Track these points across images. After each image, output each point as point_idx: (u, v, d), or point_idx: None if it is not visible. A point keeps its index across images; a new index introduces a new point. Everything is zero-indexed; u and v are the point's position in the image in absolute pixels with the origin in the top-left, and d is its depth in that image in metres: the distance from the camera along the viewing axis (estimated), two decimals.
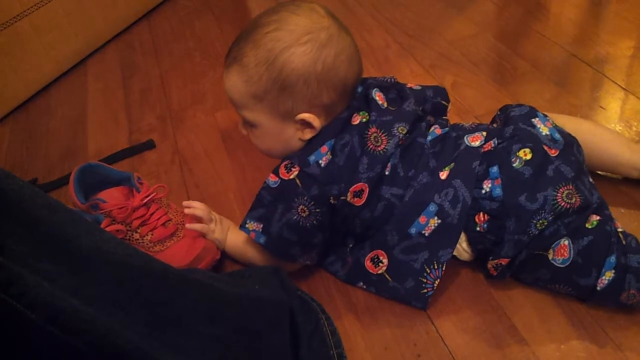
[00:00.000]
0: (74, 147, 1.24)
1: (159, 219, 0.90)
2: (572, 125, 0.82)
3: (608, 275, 0.69)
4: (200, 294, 0.56)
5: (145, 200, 0.89)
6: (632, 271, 0.69)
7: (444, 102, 0.89)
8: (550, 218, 0.70)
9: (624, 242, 0.71)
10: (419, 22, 1.43)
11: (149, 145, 1.19)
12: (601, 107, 1.08)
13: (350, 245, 0.83)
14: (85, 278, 0.46)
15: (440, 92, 0.89)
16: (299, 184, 0.76)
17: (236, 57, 0.76)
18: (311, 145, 0.78)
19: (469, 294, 0.79)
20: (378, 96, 0.80)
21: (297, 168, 0.76)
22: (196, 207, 0.88)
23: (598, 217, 0.72)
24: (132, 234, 0.89)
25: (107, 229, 0.84)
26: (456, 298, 0.78)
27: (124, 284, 0.48)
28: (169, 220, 0.90)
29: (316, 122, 0.77)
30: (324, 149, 0.76)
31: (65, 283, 0.44)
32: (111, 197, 0.89)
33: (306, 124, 0.77)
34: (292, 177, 0.76)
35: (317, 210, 0.76)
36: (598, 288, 0.70)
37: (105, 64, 1.51)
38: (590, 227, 0.71)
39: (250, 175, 1.06)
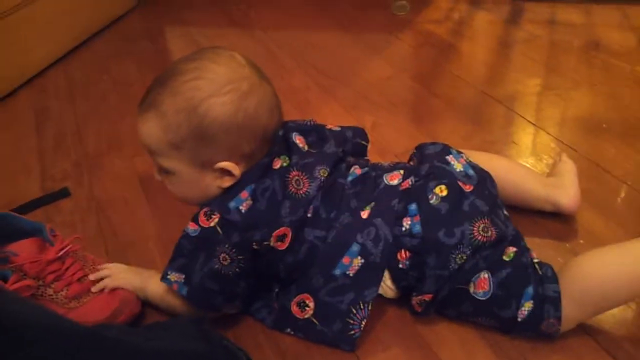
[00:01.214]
0: None
1: (74, 274, 0.84)
2: (486, 162, 0.85)
3: (527, 306, 0.71)
4: (112, 352, 0.52)
5: (60, 254, 0.84)
6: (550, 301, 0.71)
7: (363, 143, 0.90)
8: (469, 252, 0.71)
9: (540, 272, 0.73)
10: (338, 64, 1.47)
11: (64, 193, 1.13)
12: (513, 142, 1.13)
13: (276, 290, 0.81)
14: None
15: (359, 133, 0.90)
16: (220, 232, 0.74)
17: (153, 103, 0.74)
18: (231, 191, 0.76)
19: (396, 332, 0.78)
20: (298, 139, 0.80)
21: (218, 215, 0.74)
22: (104, 268, 0.86)
23: (514, 249, 0.74)
24: (46, 289, 0.83)
25: (16, 285, 0.78)
26: (384, 337, 0.78)
27: (29, 349, 0.44)
28: (85, 275, 0.85)
29: (236, 170, 0.75)
30: (244, 194, 0.75)
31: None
32: (23, 249, 0.83)
33: (226, 172, 0.76)
34: (212, 224, 0.74)
35: (240, 257, 0.74)
36: (519, 319, 0.71)
37: (16, 110, 1.44)
38: (507, 259, 0.73)
39: (171, 222, 1.02)
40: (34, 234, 0.87)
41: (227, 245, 0.73)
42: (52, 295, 0.83)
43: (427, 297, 0.74)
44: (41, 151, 1.27)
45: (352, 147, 0.87)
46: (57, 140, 1.30)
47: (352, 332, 0.74)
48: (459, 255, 0.71)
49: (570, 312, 0.71)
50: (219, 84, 0.72)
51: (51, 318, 0.51)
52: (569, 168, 0.94)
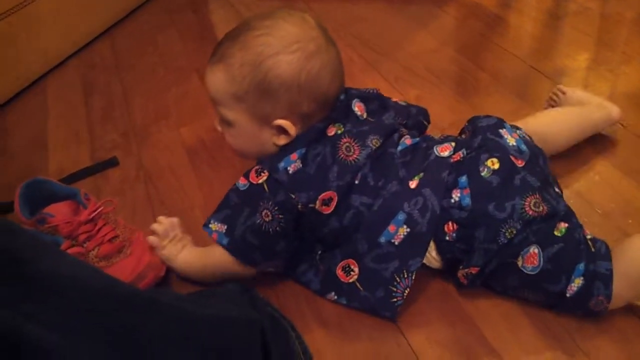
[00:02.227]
0: (34, 167, 1.20)
1: (105, 234, 0.88)
2: (543, 119, 0.90)
3: (577, 282, 0.70)
4: (168, 317, 0.54)
5: (93, 215, 0.88)
6: (600, 278, 0.70)
7: (424, 122, 0.91)
8: (519, 226, 0.71)
9: (592, 248, 0.72)
10: (382, 36, 1.45)
11: (113, 162, 1.16)
12: None
13: (319, 252, 0.83)
14: (44, 304, 0.44)
15: (423, 112, 0.91)
16: (266, 189, 0.76)
17: (223, 55, 0.77)
18: (283, 151, 0.78)
19: (439, 306, 0.79)
20: (358, 107, 0.82)
21: (267, 173, 0.76)
22: (159, 222, 0.89)
23: (566, 225, 0.73)
24: (78, 248, 0.87)
25: (68, 251, 0.81)
26: (426, 310, 0.79)
27: (86, 310, 0.46)
28: (116, 236, 0.89)
29: (292, 129, 0.77)
30: (294, 156, 0.76)
31: (22, 309, 0.42)
32: (58, 211, 0.87)
33: (282, 130, 0.78)
34: (260, 181, 0.76)
35: (281, 216, 0.76)
36: (567, 295, 0.71)
37: (65, 82, 1.47)
38: (559, 234, 0.72)
39: (217, 190, 1.03)
40: (69, 198, 0.91)
41: (270, 203, 0.75)
42: (83, 254, 0.87)
43: (474, 270, 0.74)
44: (90, 122, 1.30)
45: (413, 124, 0.88)
46: (105, 111, 1.33)
47: (395, 299, 0.75)
48: (509, 230, 0.71)
49: (621, 290, 0.70)
50: (287, 42, 0.75)
51: (107, 282, 0.53)
52: (578, 92, 1.04)
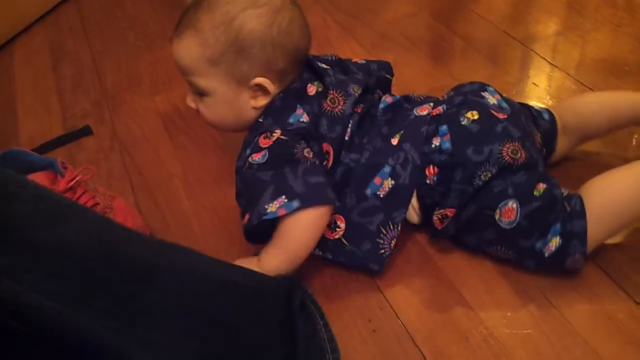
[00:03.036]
0: (4, 135, 1.17)
1: (85, 202, 0.87)
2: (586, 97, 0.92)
3: (554, 242, 0.73)
4: (173, 283, 0.54)
5: (71, 184, 0.87)
6: (576, 236, 0.72)
7: (387, 76, 0.92)
8: (494, 171, 0.73)
9: (568, 208, 0.74)
10: (357, 2, 1.44)
11: (86, 131, 1.14)
12: (534, 83, 1.13)
13: None
14: (47, 272, 0.44)
15: (385, 66, 0.92)
16: (286, 138, 0.75)
17: (189, 21, 0.76)
18: (281, 112, 0.78)
19: (418, 268, 0.81)
20: (324, 64, 0.83)
21: (279, 131, 0.76)
22: None
23: (545, 185, 0.74)
24: None
25: None
26: (406, 272, 0.81)
27: (88, 278, 0.46)
28: (97, 204, 0.88)
29: (271, 87, 0.78)
30: (299, 111, 0.78)
31: (25, 277, 0.42)
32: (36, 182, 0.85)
33: (260, 89, 0.78)
34: (275, 138, 0.75)
35: (316, 148, 0.77)
36: (545, 255, 0.73)
37: (32, 47, 1.43)
38: (537, 194, 0.74)
39: (195, 160, 1.04)
40: (45, 168, 0.89)
41: (302, 141, 0.75)
42: None
43: (449, 212, 0.76)
44: (60, 89, 1.27)
45: (376, 80, 0.88)
46: (75, 78, 1.30)
47: (382, 250, 0.77)
48: (484, 173, 0.73)
49: (591, 229, 0.72)
50: None
51: (110, 246, 0.52)
52: None
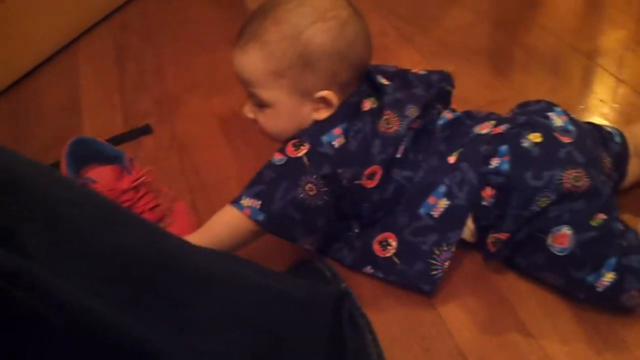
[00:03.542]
0: (67, 131, 1.20)
1: (147, 203, 0.89)
2: None
3: (609, 277, 0.69)
4: (225, 293, 0.54)
5: (135, 184, 0.88)
6: (633, 272, 0.69)
7: (448, 88, 0.90)
8: (554, 197, 0.71)
9: (624, 243, 0.71)
10: (417, 10, 1.42)
11: (146, 130, 1.17)
12: (601, 100, 1.09)
13: (356, 231, 0.83)
14: (99, 274, 0.44)
15: (445, 77, 0.90)
16: (307, 162, 0.75)
17: (254, 33, 0.76)
18: (322, 126, 0.78)
19: (475, 287, 0.79)
20: (384, 80, 0.82)
21: (307, 146, 0.76)
22: None
23: (605, 217, 0.72)
24: None
25: None
26: (461, 290, 0.79)
27: (140, 283, 0.47)
28: (157, 205, 0.90)
29: (335, 99, 0.77)
30: (337, 131, 0.77)
31: (76, 279, 0.43)
32: (102, 177, 0.88)
33: (323, 103, 0.78)
34: (300, 155, 0.76)
35: (325, 189, 0.75)
36: (598, 289, 0.70)
37: (97, 45, 1.47)
38: (594, 224, 0.71)
39: (250, 164, 1.03)
40: (113, 161, 0.91)
41: (314, 176, 0.74)
42: None
43: (503, 236, 0.75)
44: (123, 88, 1.30)
45: (437, 92, 0.87)
46: (137, 77, 1.33)
47: (435, 272, 0.76)
48: (543, 199, 0.71)
49: None
50: (321, 11, 0.75)
51: (164, 252, 0.53)
52: None
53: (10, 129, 1.25)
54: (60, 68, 1.41)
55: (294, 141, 0.77)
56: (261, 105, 0.80)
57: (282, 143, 0.80)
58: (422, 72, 0.89)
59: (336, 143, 0.76)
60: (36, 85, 1.37)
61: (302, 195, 0.75)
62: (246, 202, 0.76)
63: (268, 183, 0.76)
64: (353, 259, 0.83)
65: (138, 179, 0.89)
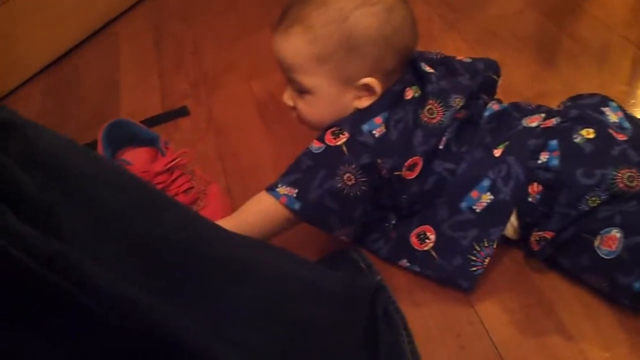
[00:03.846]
0: (106, 110, 1.22)
1: (180, 185, 0.89)
2: None
3: None
4: (261, 283, 0.53)
5: (169, 166, 0.88)
6: None
7: (494, 77, 0.87)
8: (604, 197, 0.67)
9: None
10: None
11: (183, 112, 1.17)
12: None
13: (393, 222, 0.81)
14: (138, 263, 0.44)
15: (492, 66, 0.87)
16: (346, 151, 0.73)
17: (298, 17, 0.74)
18: (363, 114, 0.76)
19: (514, 286, 0.76)
20: (428, 68, 0.79)
21: (347, 135, 0.74)
22: None
23: None
24: None
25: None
26: (500, 288, 0.76)
27: (177, 272, 0.46)
28: (191, 187, 0.90)
29: (378, 87, 0.75)
30: (378, 120, 0.74)
31: (126, 271, 0.42)
32: (137, 159, 0.88)
33: (367, 90, 0.75)
34: (339, 143, 0.74)
35: (364, 179, 0.73)
36: None
37: (137, 24, 1.47)
38: None
39: (287, 149, 1.03)
40: (148, 143, 0.91)
41: (353, 166, 0.73)
42: None
43: (548, 235, 0.72)
44: (161, 68, 1.30)
45: (482, 80, 0.84)
46: (176, 58, 1.33)
47: (474, 268, 0.74)
48: (593, 198, 0.68)
49: None
50: None
51: (206, 243, 0.52)
52: None
53: (52, 105, 1.27)
54: (101, 47, 1.42)
55: (333, 129, 0.75)
56: (301, 91, 0.78)
57: (321, 131, 0.78)
58: (467, 60, 0.86)
59: (377, 132, 0.74)
60: (77, 62, 1.38)
61: (339, 185, 0.73)
62: (282, 189, 0.74)
63: (305, 171, 0.75)
64: (389, 251, 0.81)
65: (172, 161, 0.89)
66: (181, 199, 0.88)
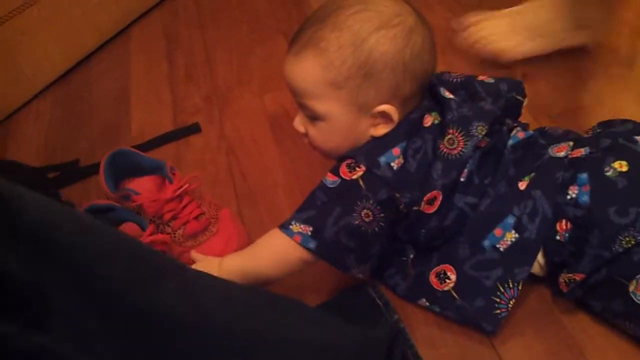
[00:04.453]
0: (116, 124, 1.19)
1: (191, 212, 0.85)
2: None
3: None
4: (272, 352, 0.50)
5: (178, 192, 0.84)
6: None
7: (519, 98, 0.81)
8: None
9: None
10: (484, 1, 1.31)
11: (195, 129, 1.13)
12: None
13: (411, 257, 0.76)
14: (142, 344, 0.40)
15: (516, 86, 0.81)
16: (362, 186, 0.69)
17: (311, 40, 0.69)
18: (380, 145, 0.71)
19: (541, 327, 0.72)
20: (448, 93, 0.74)
21: (363, 168, 0.69)
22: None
23: None
24: (164, 228, 0.84)
25: (151, 237, 0.79)
26: (526, 329, 0.72)
27: (179, 349, 0.42)
28: (202, 213, 0.86)
29: (395, 115, 0.70)
30: (396, 151, 0.69)
31: (119, 350, 0.39)
32: (143, 188, 0.84)
33: (383, 117, 0.70)
34: (355, 177, 0.69)
35: (382, 215, 0.69)
36: None
37: (148, 33, 1.43)
38: None
39: (300, 170, 0.99)
40: (154, 172, 0.87)
41: (371, 202, 0.68)
42: (170, 233, 0.84)
43: (578, 277, 0.67)
44: (172, 80, 1.27)
45: (505, 103, 0.78)
46: (187, 69, 1.29)
47: (498, 311, 0.69)
48: (627, 238, 0.62)
49: None
50: (387, 17, 0.68)
51: (220, 315, 0.49)
52: None
53: (62, 119, 1.25)
54: (113, 55, 1.39)
55: (348, 161, 0.70)
56: (314, 118, 0.73)
57: (334, 159, 0.73)
58: (489, 81, 0.80)
59: (395, 165, 0.69)
60: (89, 74, 1.35)
61: (357, 222, 0.68)
62: (296, 227, 0.70)
63: (320, 208, 0.70)
64: (407, 288, 0.76)
65: (181, 187, 0.85)
66: (193, 226, 0.85)
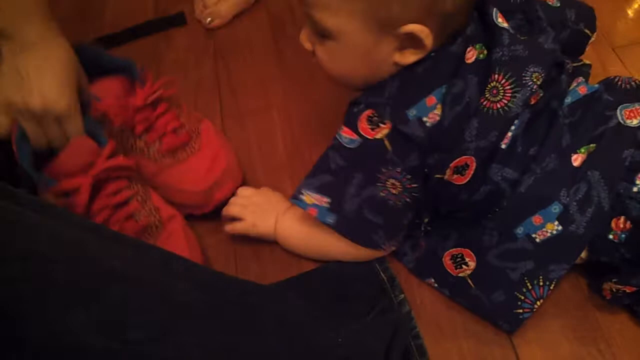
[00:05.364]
0: (88, 8, 1.00)
1: (168, 123, 0.70)
2: None
3: None
4: None
5: (151, 99, 0.68)
6: None
7: (587, 31, 0.65)
8: None
9: None
10: None
11: (179, 20, 0.95)
12: None
13: (426, 220, 0.63)
14: None
15: (586, 16, 0.65)
16: (389, 148, 0.54)
17: None
18: (409, 90, 0.55)
19: (571, 325, 0.60)
20: (501, 18, 0.56)
21: (389, 125, 0.54)
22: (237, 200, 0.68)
23: None
24: (135, 142, 0.70)
25: (109, 163, 0.63)
26: (552, 326, 0.60)
27: None
28: (182, 126, 0.72)
29: (428, 39, 0.52)
30: (431, 100, 0.54)
31: None
32: (107, 92, 0.68)
33: (412, 41, 0.53)
34: (379, 136, 0.55)
35: (414, 185, 0.56)
36: None
37: None
38: None
39: (302, 91, 0.83)
40: (121, 71, 0.70)
41: (399, 170, 0.55)
42: (143, 148, 0.70)
43: (629, 290, 0.55)
44: None
45: (569, 36, 0.62)
46: None
47: (520, 310, 0.57)
48: None
49: None
50: None
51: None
52: None
53: None
54: None
55: (368, 112, 0.55)
56: (322, 35, 0.55)
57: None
58: (555, 4, 0.63)
59: (429, 119, 0.53)
60: None
61: (382, 195, 0.55)
62: (309, 198, 0.58)
63: (336, 173, 0.58)
64: (415, 261, 0.64)
65: (154, 92, 0.69)
66: (170, 140, 0.70)
